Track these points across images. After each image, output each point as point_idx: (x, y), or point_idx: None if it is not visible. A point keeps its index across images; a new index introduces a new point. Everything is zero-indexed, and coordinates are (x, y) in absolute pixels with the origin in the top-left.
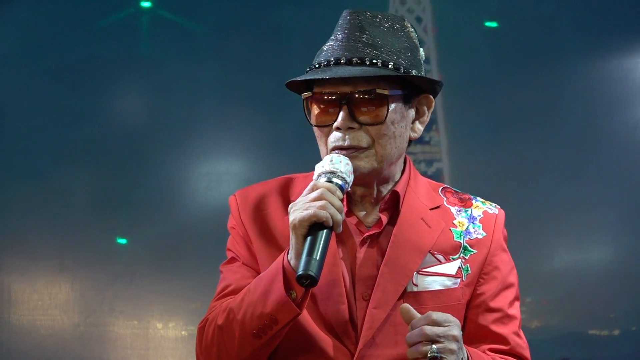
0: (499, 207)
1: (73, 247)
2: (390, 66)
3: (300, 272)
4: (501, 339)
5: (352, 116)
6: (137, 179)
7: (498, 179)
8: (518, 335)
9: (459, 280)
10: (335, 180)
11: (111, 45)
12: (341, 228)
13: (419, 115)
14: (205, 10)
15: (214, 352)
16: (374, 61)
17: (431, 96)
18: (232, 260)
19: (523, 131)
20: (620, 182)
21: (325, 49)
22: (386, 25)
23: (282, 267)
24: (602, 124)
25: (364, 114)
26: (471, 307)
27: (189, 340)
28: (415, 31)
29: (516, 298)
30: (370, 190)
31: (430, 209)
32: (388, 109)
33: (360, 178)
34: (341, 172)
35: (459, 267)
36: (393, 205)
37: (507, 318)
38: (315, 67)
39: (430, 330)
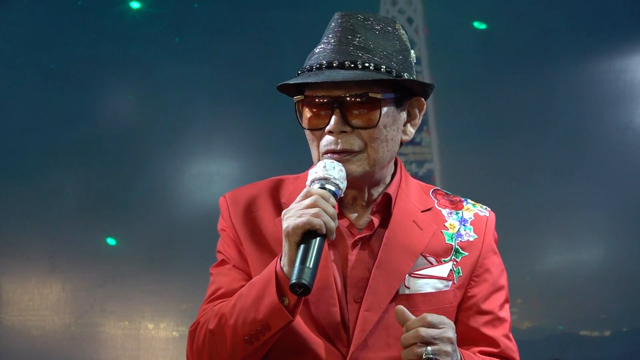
0: (489, 209)
1: (64, 247)
2: (382, 69)
3: (293, 281)
4: (492, 341)
5: (344, 120)
6: (129, 180)
7: (489, 180)
8: (508, 338)
9: (450, 282)
10: (328, 186)
11: (102, 46)
12: (334, 235)
13: (410, 118)
14: (196, 11)
15: (205, 356)
16: (366, 64)
17: (422, 99)
18: (223, 262)
19: (514, 132)
20: (611, 183)
21: (317, 51)
22: (378, 27)
23: (274, 273)
24: (592, 125)
25: (356, 117)
26: (462, 310)
27: (180, 341)
28: (407, 33)
29: (506, 300)
30: (361, 193)
31: (422, 212)
32: (380, 112)
33: (352, 181)
34: (334, 178)
35: (451, 270)
36: (385, 207)
37: (497, 321)
38: (307, 70)
39: (425, 332)
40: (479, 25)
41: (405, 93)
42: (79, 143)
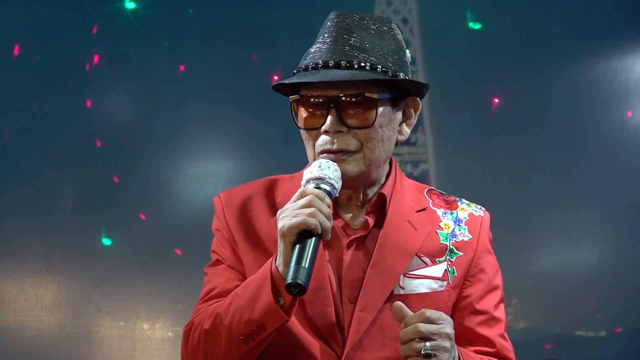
0: (484, 209)
1: (59, 247)
2: (378, 69)
3: (289, 281)
4: (487, 341)
5: (340, 120)
6: (124, 180)
7: (484, 180)
8: (504, 337)
9: (445, 282)
10: (323, 186)
11: (97, 46)
12: (330, 235)
13: (406, 118)
14: (191, 11)
15: (200, 356)
16: (362, 64)
17: (418, 99)
18: (217, 262)
19: (509, 132)
20: (607, 183)
21: (312, 51)
22: (373, 27)
23: (270, 273)
24: (588, 125)
25: (352, 117)
26: (457, 310)
27: (176, 341)
28: (402, 33)
29: (501, 300)
30: (356, 193)
31: (417, 212)
32: (376, 112)
33: (348, 181)
34: (330, 178)
35: (445, 270)
36: (379, 207)
37: (493, 320)
38: (303, 70)
39: (424, 327)
40: (474, 25)
41: (401, 93)
42: (74, 143)
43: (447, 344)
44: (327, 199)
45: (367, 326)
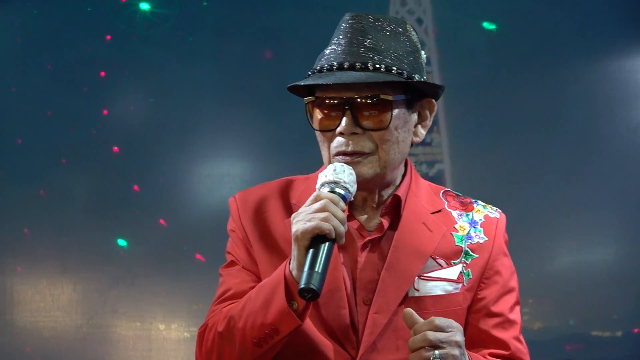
0: (500, 210)
1: (75, 248)
2: (393, 71)
3: (302, 286)
4: (502, 343)
5: (355, 121)
6: (139, 181)
7: (499, 180)
8: (519, 340)
9: (460, 285)
10: (338, 190)
11: (110, 47)
12: (344, 240)
13: (421, 119)
14: (204, 12)
15: (215, 358)
16: (377, 66)
17: (433, 100)
18: (232, 263)
19: (524, 132)
20: (622, 183)
21: (327, 52)
22: (388, 29)
23: (283, 277)
24: (603, 126)
25: (367, 119)
26: (472, 312)
27: (191, 342)
28: (417, 34)
29: (517, 303)
30: (372, 195)
31: (432, 213)
32: (392, 114)
33: (363, 184)
34: (344, 182)
35: (460, 272)
36: (394, 209)
37: (507, 323)
38: (318, 71)
39: (433, 335)
40: (489, 25)
41: (416, 94)
42: (89, 144)
43: (456, 352)
44: (342, 203)
45: (381, 328)
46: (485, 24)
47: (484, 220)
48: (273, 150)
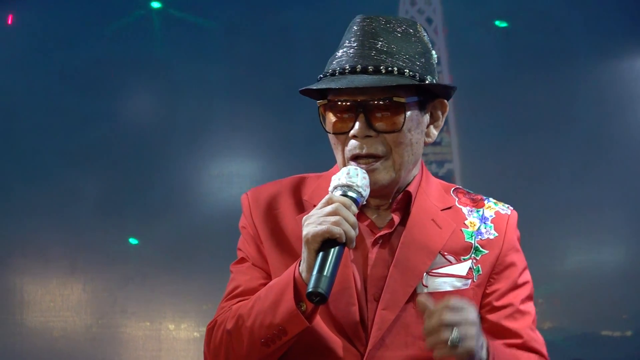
0: (511, 207)
1: (85, 248)
2: (405, 73)
3: (310, 289)
4: (513, 333)
5: (369, 124)
6: (148, 180)
7: (509, 180)
8: (532, 330)
9: (469, 281)
10: (350, 194)
11: (121, 46)
12: (354, 244)
13: (433, 120)
14: (215, 11)
15: (222, 355)
16: (390, 69)
17: (445, 100)
18: (242, 260)
19: (534, 132)
20: (633, 183)
21: (339, 55)
22: (399, 30)
23: (293, 278)
24: (613, 125)
25: (380, 121)
26: (482, 306)
27: (201, 341)
28: (428, 34)
29: (529, 297)
30: (386, 199)
31: (442, 210)
32: (405, 116)
33: (379, 190)
34: (357, 185)
35: (470, 268)
36: (405, 205)
37: (518, 313)
38: (330, 75)
39: (450, 316)
40: (500, 23)
41: (428, 96)
42: (99, 144)
43: (472, 330)
44: (354, 207)
45: (389, 324)
46: (497, 22)
47: (494, 216)
48: (283, 149)
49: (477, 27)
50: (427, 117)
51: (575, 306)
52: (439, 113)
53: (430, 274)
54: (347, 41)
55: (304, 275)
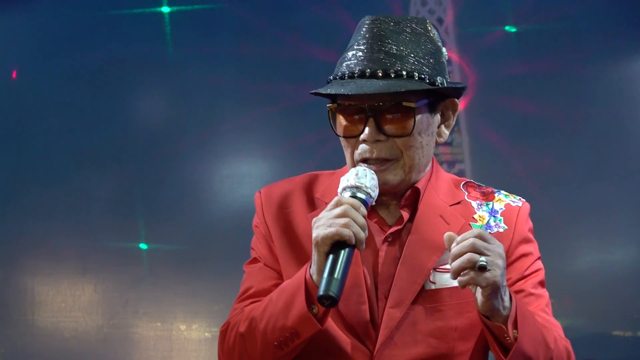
0: (523, 200)
1: (96, 248)
2: (415, 76)
3: (321, 293)
4: None
5: (378, 128)
6: (160, 181)
7: (520, 180)
8: (546, 312)
9: None
10: (359, 195)
11: (131, 47)
12: (364, 246)
13: (444, 119)
14: (225, 13)
15: (236, 357)
16: (399, 73)
17: (456, 100)
18: (255, 260)
19: (546, 132)
20: None
21: (348, 57)
22: (408, 30)
23: (304, 280)
24: (625, 125)
25: (390, 126)
26: None
27: (213, 342)
28: (438, 31)
29: (541, 283)
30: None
31: (450, 205)
32: (414, 120)
33: (389, 189)
34: (366, 187)
35: None
36: (414, 201)
37: (530, 297)
38: (339, 78)
39: (479, 242)
40: (510, 28)
41: (439, 96)
42: (110, 145)
43: (500, 262)
44: (363, 209)
45: (396, 322)
46: (509, 24)
47: (504, 209)
48: (294, 150)
49: (488, 27)
50: (437, 118)
51: (587, 306)
52: (450, 113)
53: (438, 270)
54: (356, 43)
55: (314, 277)
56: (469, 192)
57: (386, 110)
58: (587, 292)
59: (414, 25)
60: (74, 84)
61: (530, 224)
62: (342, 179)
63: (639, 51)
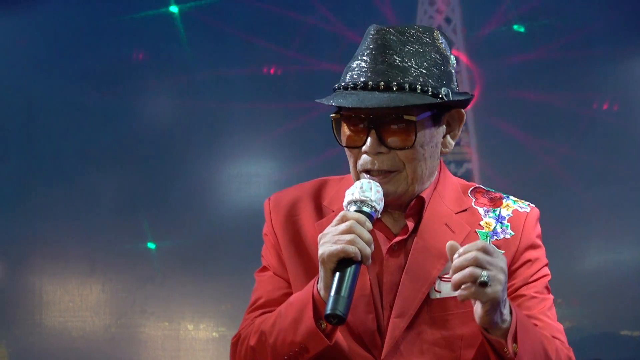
0: (532, 205)
1: (103, 248)
2: (418, 89)
3: (328, 312)
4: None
5: (380, 141)
6: (168, 181)
7: (528, 180)
8: (548, 317)
9: None
10: (365, 209)
11: (139, 47)
12: (370, 261)
13: (450, 129)
14: (233, 14)
15: None
16: (401, 85)
17: (462, 110)
18: (264, 269)
19: (554, 132)
20: None
21: (352, 67)
22: (413, 40)
23: (312, 296)
24: (633, 125)
25: (392, 138)
26: None
27: (220, 342)
28: (447, 39)
29: (546, 288)
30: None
31: (456, 213)
32: (416, 133)
33: (393, 200)
34: (371, 200)
35: None
36: (419, 210)
37: (533, 300)
38: (343, 88)
39: (482, 256)
40: (518, 27)
41: (444, 108)
42: (118, 145)
43: (502, 277)
44: (368, 223)
45: (401, 332)
46: (517, 23)
47: (512, 215)
48: (301, 150)
49: (496, 26)
50: (442, 129)
51: (594, 306)
52: (456, 123)
53: (443, 279)
54: (361, 53)
55: (322, 293)
56: (476, 199)
57: (388, 122)
58: (595, 292)
59: (419, 34)
60: (81, 83)
61: (538, 229)
62: (347, 192)
63: None
